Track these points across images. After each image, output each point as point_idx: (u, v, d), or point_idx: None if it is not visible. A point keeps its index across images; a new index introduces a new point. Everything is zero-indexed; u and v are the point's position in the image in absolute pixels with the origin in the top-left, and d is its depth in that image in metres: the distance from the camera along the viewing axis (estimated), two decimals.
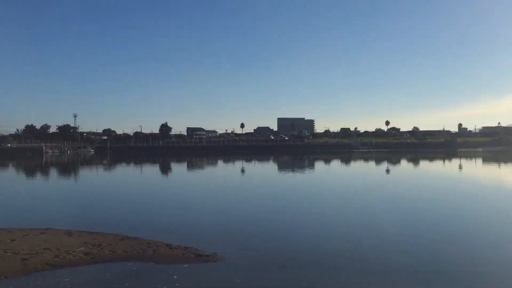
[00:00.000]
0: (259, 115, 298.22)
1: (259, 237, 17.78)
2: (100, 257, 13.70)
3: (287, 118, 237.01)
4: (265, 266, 13.51)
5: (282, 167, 75.98)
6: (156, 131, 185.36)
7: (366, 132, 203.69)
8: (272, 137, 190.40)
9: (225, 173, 63.20)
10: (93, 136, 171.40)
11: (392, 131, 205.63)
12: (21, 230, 17.65)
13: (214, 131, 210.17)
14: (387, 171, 62.41)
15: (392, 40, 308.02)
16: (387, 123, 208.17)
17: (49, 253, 13.84)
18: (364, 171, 63.78)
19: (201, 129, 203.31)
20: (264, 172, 65.07)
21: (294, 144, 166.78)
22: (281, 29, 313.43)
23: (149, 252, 14.44)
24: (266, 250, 15.38)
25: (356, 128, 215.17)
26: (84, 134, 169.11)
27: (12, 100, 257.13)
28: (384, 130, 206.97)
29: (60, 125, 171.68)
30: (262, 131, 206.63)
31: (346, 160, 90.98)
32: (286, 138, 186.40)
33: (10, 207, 28.04)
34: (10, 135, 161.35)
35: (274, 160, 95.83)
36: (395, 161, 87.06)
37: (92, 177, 58.19)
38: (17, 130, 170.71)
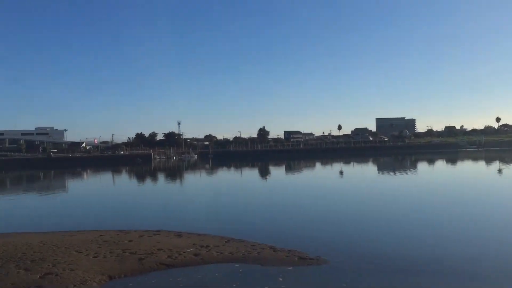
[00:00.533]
0: (356, 116, 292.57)
1: (362, 241, 17.45)
2: (209, 258, 14.35)
3: (386, 118, 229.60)
4: (370, 271, 13.24)
5: (382, 168, 73.76)
6: (255, 135, 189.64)
7: (474, 130, 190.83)
8: (371, 138, 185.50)
9: (323, 176, 62.79)
10: (195, 142, 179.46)
11: (503, 128, 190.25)
12: (136, 232, 19.06)
13: (311, 134, 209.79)
14: (499, 171, 57.92)
15: (498, 32, 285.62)
16: (498, 119, 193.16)
17: (162, 253, 14.77)
18: (473, 171, 59.74)
19: (298, 132, 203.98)
20: (363, 174, 63.61)
21: (394, 144, 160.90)
22: (378, 26, 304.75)
23: (254, 254, 14.83)
24: (370, 255, 15.06)
25: (462, 126, 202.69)
26: (188, 140, 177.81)
27: (124, 111, 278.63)
28: (494, 128, 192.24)
29: (166, 132, 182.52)
30: (360, 132, 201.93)
31: (452, 160, 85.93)
32: (386, 139, 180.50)
33: (126, 210, 30.37)
34: (123, 143, 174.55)
35: (374, 162, 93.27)
36: (508, 160, 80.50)
37: (197, 181, 61.01)
38: (129, 138, 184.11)
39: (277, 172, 75.52)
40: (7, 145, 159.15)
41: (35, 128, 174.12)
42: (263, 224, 21.99)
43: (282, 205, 29.78)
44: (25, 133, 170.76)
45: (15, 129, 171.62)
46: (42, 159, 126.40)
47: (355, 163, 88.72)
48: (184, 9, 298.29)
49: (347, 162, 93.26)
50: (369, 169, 74.35)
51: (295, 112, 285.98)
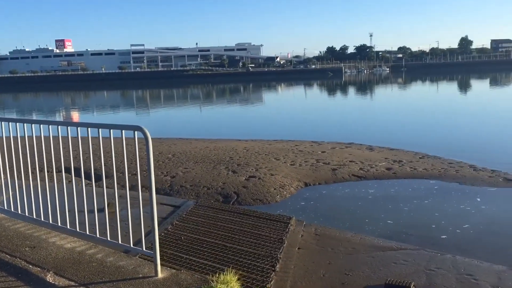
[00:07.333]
0: None
1: None
2: (402, 173, 14.17)
3: None
4: None
5: None
6: (455, 45, 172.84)
7: None
8: None
9: None
10: (388, 55, 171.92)
11: None
12: (328, 143, 19.73)
13: None
14: None
15: None
16: None
17: (354, 165, 15.10)
18: None
19: (508, 41, 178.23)
20: None
21: None
22: None
23: (451, 172, 14.12)
24: None
25: None
26: (380, 53, 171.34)
27: (317, 25, 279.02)
28: None
29: (357, 45, 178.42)
30: None
31: None
32: None
33: (318, 123, 31.46)
34: (314, 57, 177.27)
35: None
36: None
37: (388, 95, 59.24)
38: (320, 52, 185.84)
39: (479, 86, 68.38)
40: (212, 60, 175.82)
41: (235, 44, 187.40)
42: (461, 142, 20.58)
43: (484, 123, 27.23)
44: (227, 49, 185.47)
45: (219, 45, 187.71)
46: (242, 73, 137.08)
47: None
48: None
49: None
50: None
51: (505, 16, 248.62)
